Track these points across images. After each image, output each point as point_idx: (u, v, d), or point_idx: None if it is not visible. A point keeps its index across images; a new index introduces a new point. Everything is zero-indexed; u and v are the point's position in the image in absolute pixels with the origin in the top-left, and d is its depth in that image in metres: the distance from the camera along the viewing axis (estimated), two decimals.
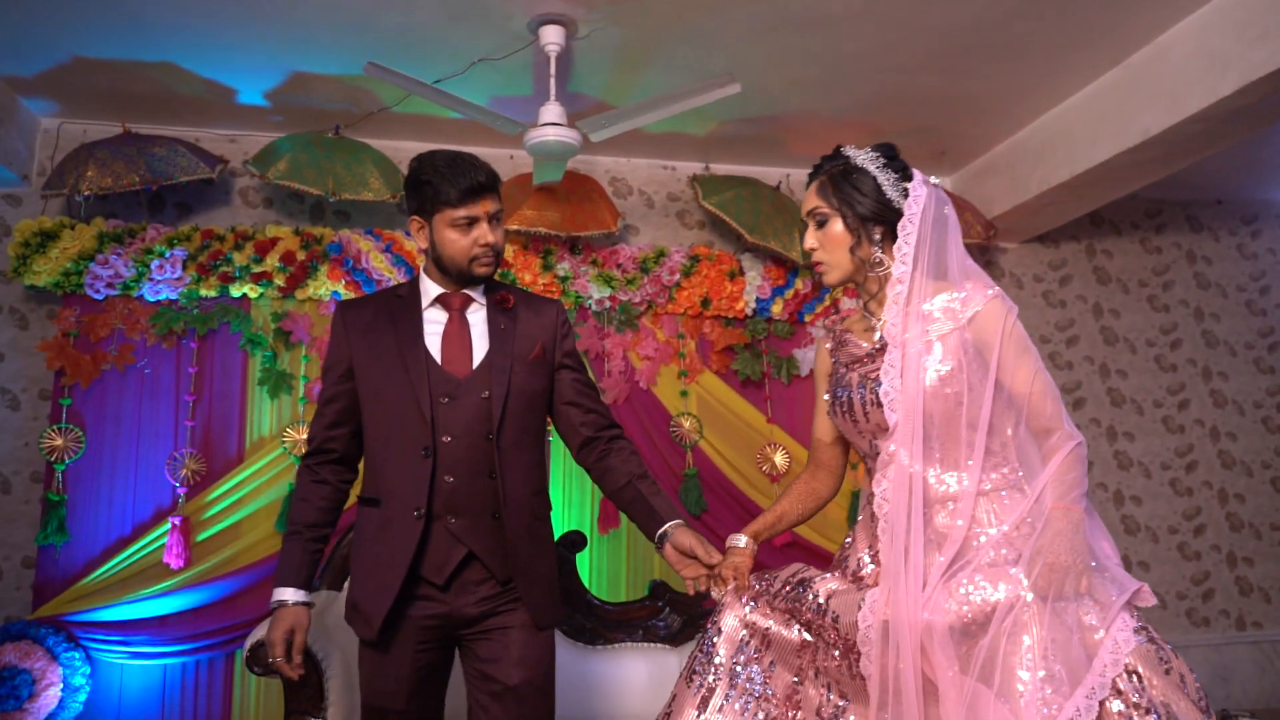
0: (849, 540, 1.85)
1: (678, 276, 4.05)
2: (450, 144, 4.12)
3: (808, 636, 1.73)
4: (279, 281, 3.69)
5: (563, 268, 3.95)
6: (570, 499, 3.90)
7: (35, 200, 3.75)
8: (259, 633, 2.74)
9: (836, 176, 1.78)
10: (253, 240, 3.70)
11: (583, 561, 3.73)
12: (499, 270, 2.15)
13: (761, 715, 1.70)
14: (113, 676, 3.42)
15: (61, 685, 3.23)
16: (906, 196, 1.73)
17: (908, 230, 1.70)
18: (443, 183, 1.94)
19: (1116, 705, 1.46)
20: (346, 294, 3.72)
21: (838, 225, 1.78)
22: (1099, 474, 4.63)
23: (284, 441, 3.61)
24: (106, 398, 3.57)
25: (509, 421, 1.99)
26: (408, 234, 3.88)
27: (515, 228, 3.78)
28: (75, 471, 3.50)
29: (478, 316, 2.06)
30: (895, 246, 1.73)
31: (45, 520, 3.42)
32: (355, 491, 2.10)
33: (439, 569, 1.93)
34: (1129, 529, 4.62)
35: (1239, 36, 3.05)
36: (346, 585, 2.08)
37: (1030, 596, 1.52)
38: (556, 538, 3.41)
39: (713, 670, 1.74)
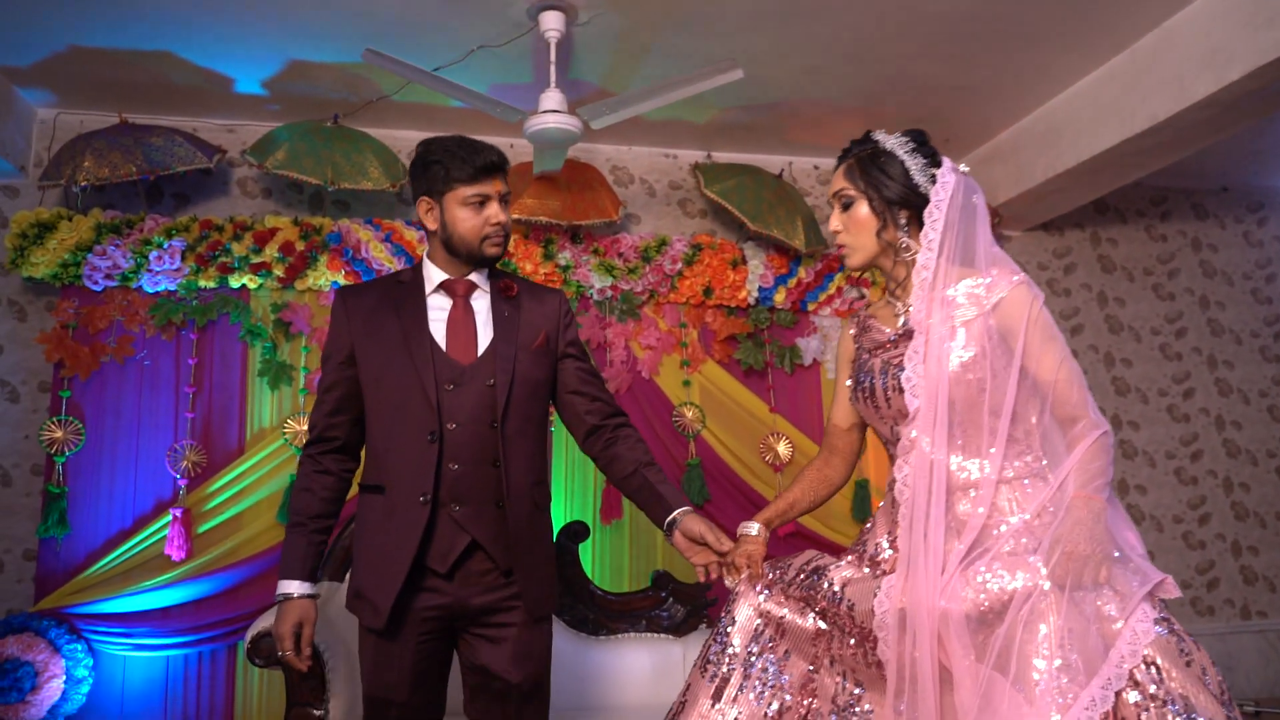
0: (869, 525, 1.84)
1: (680, 265, 4.03)
2: (449, 132, 4.09)
3: (823, 625, 1.73)
4: (278, 272, 3.67)
5: (564, 257, 3.93)
6: (572, 489, 3.89)
7: (32, 191, 3.73)
8: (261, 624, 2.73)
9: (864, 160, 1.77)
10: (251, 231, 3.68)
11: (585, 552, 3.72)
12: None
13: (776, 704, 1.70)
14: (115, 668, 3.42)
15: (64, 677, 3.23)
16: (935, 183, 1.72)
17: (934, 217, 1.69)
18: (455, 162, 1.95)
19: (1133, 696, 1.44)
20: (346, 284, 3.70)
21: (863, 208, 1.77)
22: None
23: (285, 433, 3.60)
24: (106, 390, 3.56)
25: (513, 410, 1.98)
26: (408, 223, 3.86)
27: (516, 217, 3.76)
28: (76, 464, 3.49)
29: (482, 304, 2.05)
30: (922, 233, 1.71)
31: (46, 513, 3.41)
32: (355, 479, 2.09)
33: (443, 557, 1.92)
34: (1134, 518, 4.53)
35: (1246, 22, 3.02)
36: (348, 576, 2.06)
37: (1048, 585, 1.51)
38: (558, 528, 3.41)
39: (727, 659, 1.73)
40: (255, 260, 3.65)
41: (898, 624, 1.57)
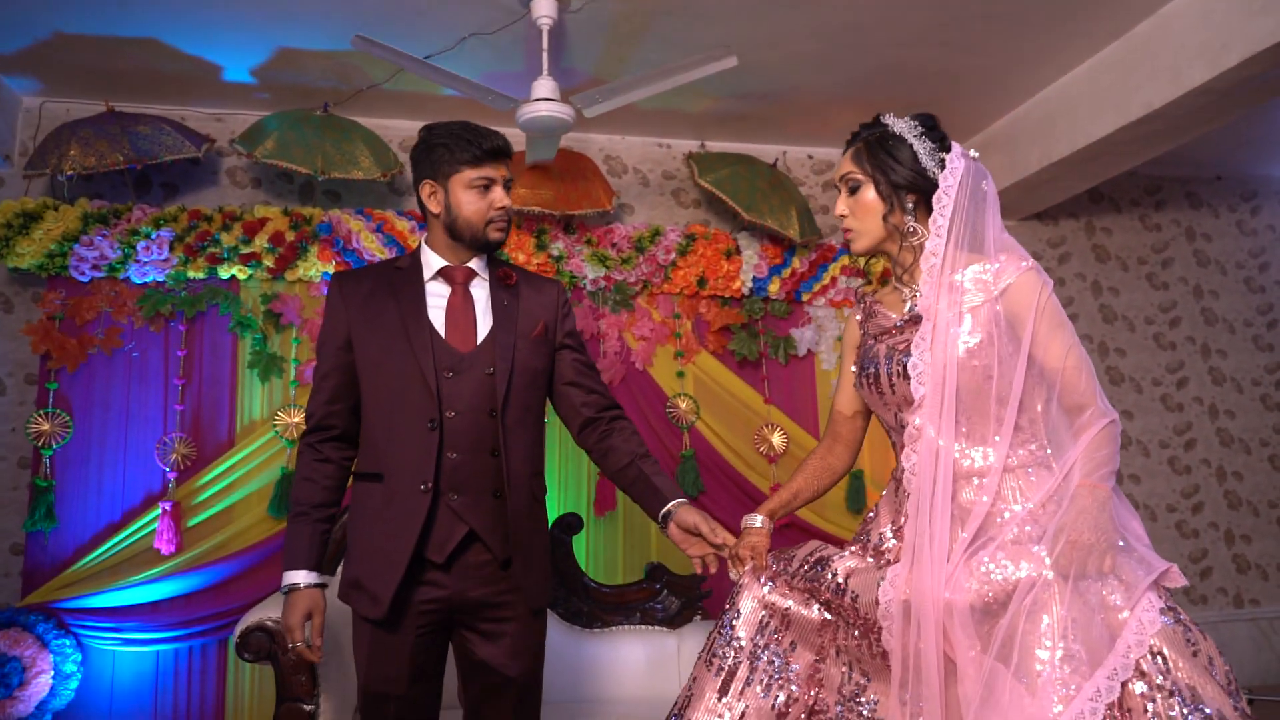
0: (871, 515, 1.83)
1: (673, 256, 4.00)
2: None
3: (828, 615, 1.71)
4: (268, 263, 3.63)
5: (557, 247, 3.90)
6: (566, 481, 3.87)
7: (17, 181, 3.68)
8: (249, 619, 2.70)
9: (872, 143, 1.75)
10: (241, 221, 3.64)
11: (579, 544, 3.71)
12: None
13: (783, 696, 1.69)
14: (104, 663, 3.39)
15: (52, 673, 3.20)
16: (944, 168, 1.69)
17: (944, 202, 1.67)
18: (460, 145, 1.95)
19: (1139, 687, 1.43)
20: (341, 270, 3.66)
21: (870, 192, 1.75)
22: None
23: (275, 425, 3.56)
24: (94, 382, 3.52)
25: (513, 399, 1.97)
26: (399, 213, 3.82)
27: None
28: (63, 457, 3.45)
29: (481, 292, 2.04)
30: (931, 219, 1.69)
31: (33, 506, 3.37)
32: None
33: (440, 547, 1.90)
34: None
35: (1242, 8, 3.01)
36: (340, 568, 2.03)
37: (1052, 575, 1.49)
38: (552, 520, 3.39)
39: (733, 652, 1.72)
40: (245, 251, 3.61)
41: (902, 614, 1.56)
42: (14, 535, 3.51)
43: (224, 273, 3.62)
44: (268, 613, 2.71)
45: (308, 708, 2.65)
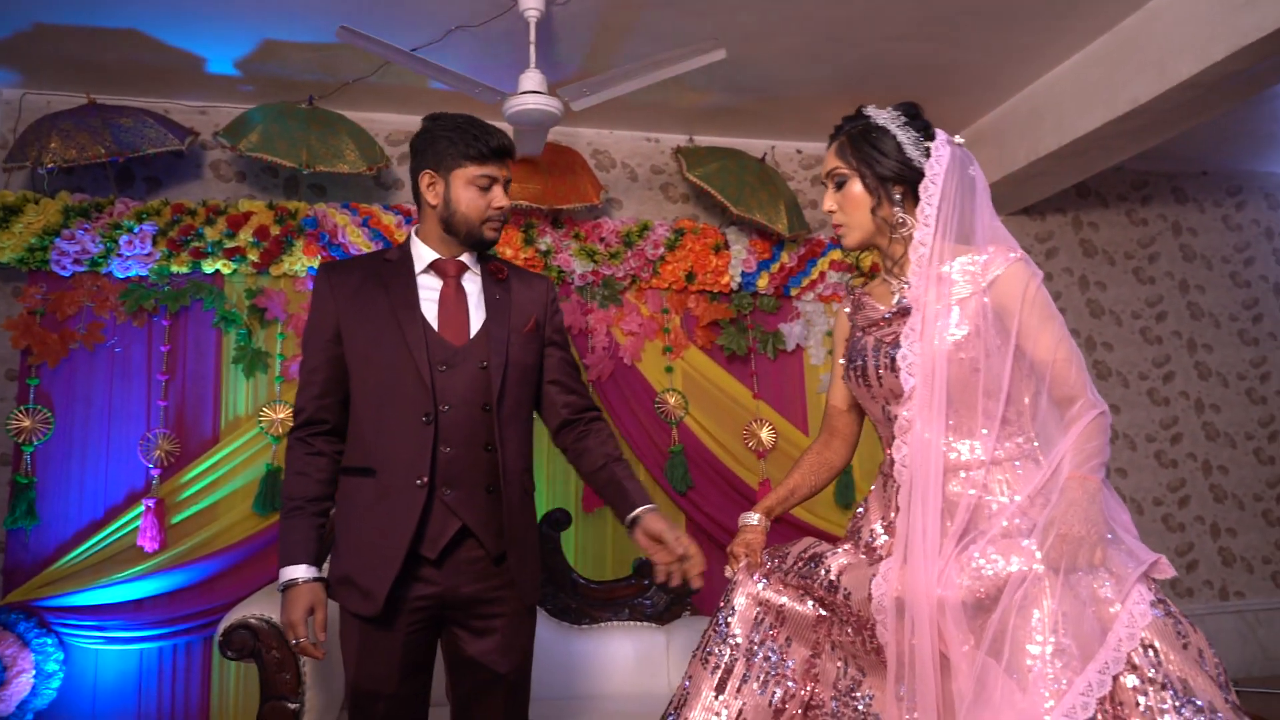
0: (861, 511, 1.81)
1: (662, 250, 3.99)
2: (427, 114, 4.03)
3: (822, 611, 1.71)
4: (253, 257, 3.59)
5: (544, 242, 3.87)
6: (554, 477, 3.85)
7: None
8: (233, 617, 2.67)
9: (856, 136, 1.73)
10: (225, 215, 3.60)
11: (567, 540, 3.69)
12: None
13: (779, 691, 1.68)
14: (87, 662, 3.35)
15: (34, 672, 3.16)
16: (929, 156, 1.67)
17: (930, 191, 1.65)
18: (466, 139, 1.93)
19: (1131, 680, 1.42)
20: (328, 261, 3.63)
21: (856, 186, 1.73)
22: None
23: (260, 421, 3.53)
24: (76, 377, 3.48)
25: (508, 393, 1.96)
26: (386, 208, 3.79)
27: None
28: (44, 453, 3.41)
29: (473, 286, 2.02)
30: (918, 209, 1.67)
31: (14, 503, 3.33)
32: None
33: (433, 542, 1.88)
34: None
35: (1228, 1, 3.01)
36: (326, 564, 2.00)
37: (1042, 569, 1.48)
38: (540, 516, 3.38)
39: (729, 649, 1.71)
40: (229, 245, 3.57)
41: (895, 609, 1.55)
42: None
43: (208, 267, 3.58)
44: (251, 610, 2.68)
45: (292, 705, 2.62)
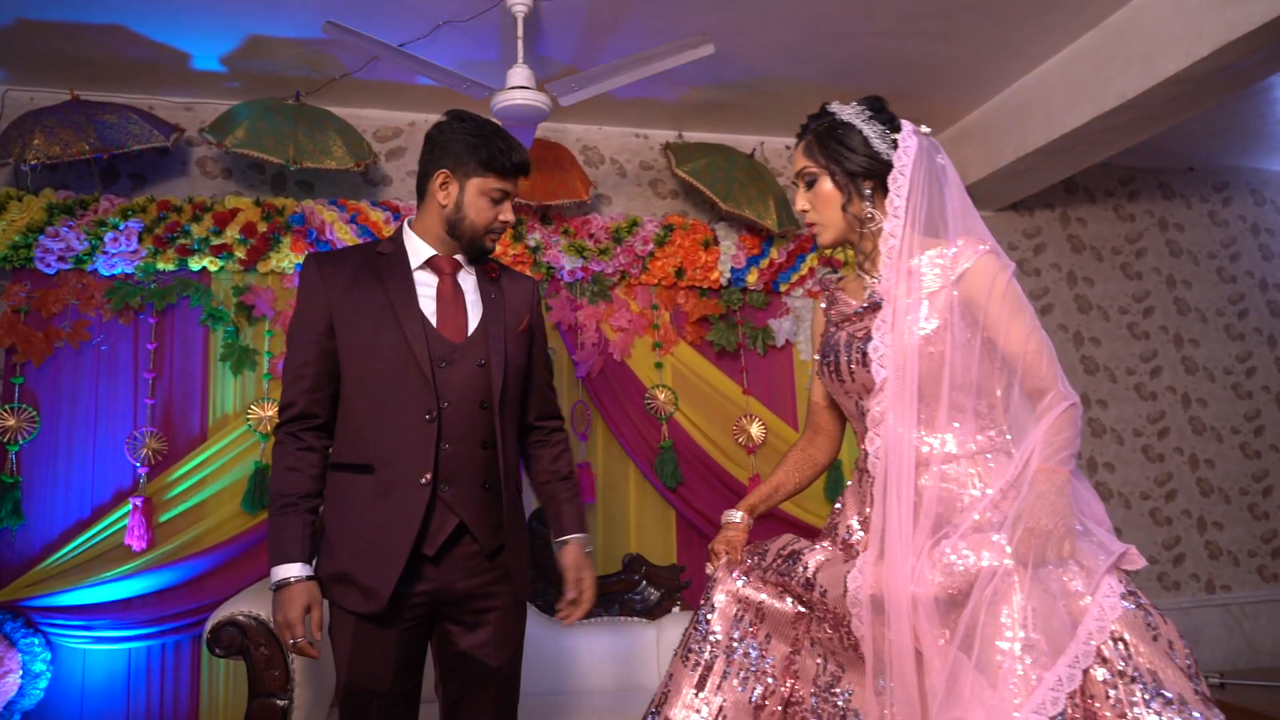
0: (838, 507, 1.82)
1: (651, 246, 3.98)
2: (414, 112, 4.02)
3: (801, 608, 1.71)
4: (240, 254, 3.58)
5: (533, 238, 3.87)
6: None
7: None
8: (220, 614, 2.66)
9: (822, 134, 1.73)
10: (211, 211, 3.58)
11: None
12: None
13: (760, 688, 1.68)
14: (75, 662, 3.33)
15: (21, 672, 3.14)
16: (896, 148, 1.67)
17: (899, 182, 1.64)
18: (491, 150, 1.94)
19: (1101, 673, 1.41)
20: (317, 252, 3.60)
21: (826, 184, 1.72)
22: None
23: (248, 419, 3.51)
24: (61, 376, 3.45)
25: (506, 390, 1.97)
26: (373, 204, 3.77)
27: None
28: (30, 452, 3.39)
29: (469, 283, 2.03)
30: (887, 200, 1.66)
31: None
32: None
33: (432, 539, 1.88)
34: (1101, 495, 4.61)
35: None
36: (315, 561, 1.99)
37: (1011, 563, 1.48)
38: (529, 513, 3.37)
39: (709, 647, 1.71)
40: (216, 242, 3.55)
41: (870, 604, 1.55)
42: None
43: (195, 264, 3.56)
44: (239, 607, 2.67)
45: (281, 702, 2.62)
